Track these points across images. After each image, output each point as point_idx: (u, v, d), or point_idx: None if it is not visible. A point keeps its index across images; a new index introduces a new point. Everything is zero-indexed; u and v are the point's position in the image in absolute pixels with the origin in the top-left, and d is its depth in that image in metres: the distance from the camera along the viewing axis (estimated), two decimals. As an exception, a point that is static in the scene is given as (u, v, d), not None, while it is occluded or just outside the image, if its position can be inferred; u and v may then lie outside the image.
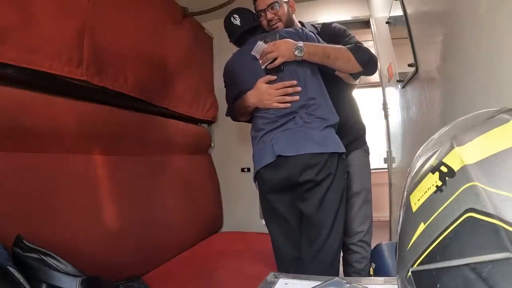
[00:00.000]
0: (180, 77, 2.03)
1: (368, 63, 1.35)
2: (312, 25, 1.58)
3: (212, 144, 2.59)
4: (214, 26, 2.51)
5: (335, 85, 1.42)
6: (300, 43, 1.28)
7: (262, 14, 1.43)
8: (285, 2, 1.46)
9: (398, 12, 1.57)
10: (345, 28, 1.49)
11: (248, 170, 2.55)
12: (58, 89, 1.23)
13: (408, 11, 1.47)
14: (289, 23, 1.47)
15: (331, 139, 1.26)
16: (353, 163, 1.48)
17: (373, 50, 2.36)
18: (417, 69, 1.42)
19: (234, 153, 2.57)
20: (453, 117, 0.46)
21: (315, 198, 1.21)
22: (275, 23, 1.43)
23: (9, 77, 1.04)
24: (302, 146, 1.21)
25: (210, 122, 2.56)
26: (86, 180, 1.26)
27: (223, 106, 2.57)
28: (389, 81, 2.13)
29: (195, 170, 2.19)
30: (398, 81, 1.78)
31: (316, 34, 1.41)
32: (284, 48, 1.28)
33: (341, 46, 1.33)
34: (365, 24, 2.47)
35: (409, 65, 1.47)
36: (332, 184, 1.21)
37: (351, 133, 1.49)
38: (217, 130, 2.62)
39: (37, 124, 1.08)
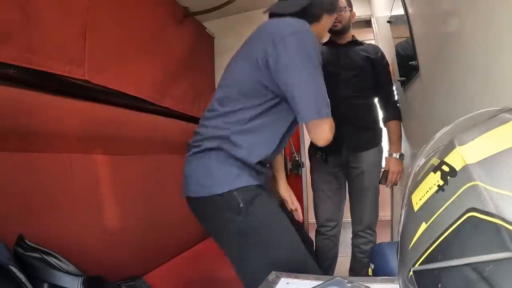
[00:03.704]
0: (181, 76, 2.03)
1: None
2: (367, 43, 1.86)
3: (213, 144, 2.58)
4: (216, 26, 2.51)
5: (368, 91, 1.74)
6: (403, 154, 1.69)
7: None
8: (350, 10, 1.73)
9: (400, 11, 1.57)
10: (391, 80, 1.80)
11: (249, 169, 2.54)
12: (59, 88, 1.23)
13: (410, 10, 1.46)
14: (346, 28, 1.74)
15: (203, 172, 0.98)
16: (366, 161, 1.69)
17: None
18: (418, 69, 1.42)
19: (235, 153, 2.56)
20: (454, 117, 0.46)
21: None
22: (336, 24, 1.65)
23: (11, 77, 1.04)
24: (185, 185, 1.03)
25: (211, 122, 2.56)
26: (88, 179, 1.27)
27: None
28: (390, 81, 2.12)
29: (196, 169, 2.19)
30: (399, 80, 1.78)
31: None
32: (401, 170, 1.67)
33: (399, 125, 1.74)
34: (366, 23, 2.46)
35: (410, 65, 1.47)
36: (226, 245, 1.04)
37: (370, 131, 1.74)
38: (218, 130, 2.62)
39: (38, 123, 1.08)
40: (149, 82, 1.69)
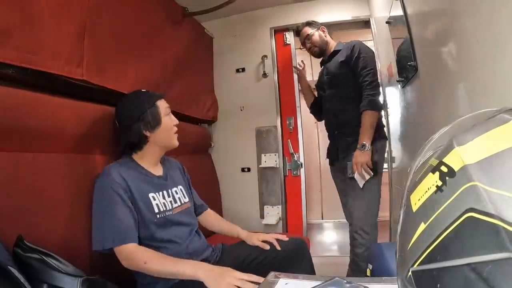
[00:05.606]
0: (180, 77, 2.03)
1: (379, 107, 1.76)
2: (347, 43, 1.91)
3: (212, 144, 2.59)
4: (214, 26, 2.52)
5: (354, 98, 1.78)
6: (365, 143, 1.67)
7: (304, 45, 1.97)
8: (316, 30, 1.92)
9: (399, 12, 1.57)
10: (368, 66, 1.77)
11: (248, 170, 2.55)
12: (58, 89, 1.23)
13: (408, 11, 1.47)
14: (323, 45, 1.93)
15: None
16: (351, 157, 1.76)
17: (373, 50, 2.37)
18: (417, 69, 1.42)
19: (234, 153, 2.57)
20: (453, 117, 0.46)
21: None
22: (313, 50, 1.94)
23: (10, 77, 1.04)
24: None
25: (210, 122, 2.56)
26: (87, 180, 1.26)
27: (223, 106, 2.59)
28: (389, 81, 2.13)
29: (195, 169, 2.18)
30: (398, 81, 1.78)
31: None
32: (364, 160, 1.66)
33: (368, 115, 1.70)
34: (365, 24, 2.47)
35: (409, 65, 1.47)
36: None
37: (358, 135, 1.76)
38: (217, 130, 2.62)
39: (37, 124, 1.08)
40: (147, 82, 1.69)
